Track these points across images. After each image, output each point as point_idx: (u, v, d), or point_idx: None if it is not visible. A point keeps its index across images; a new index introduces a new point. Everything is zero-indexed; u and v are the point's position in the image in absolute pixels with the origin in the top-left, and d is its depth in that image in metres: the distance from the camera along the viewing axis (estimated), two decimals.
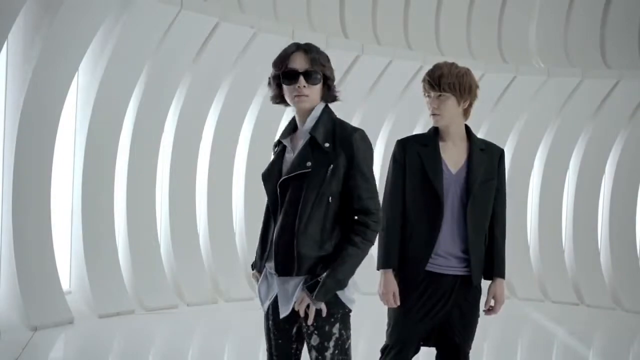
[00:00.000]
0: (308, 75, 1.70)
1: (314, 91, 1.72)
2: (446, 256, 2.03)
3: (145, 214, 4.82)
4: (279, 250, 1.69)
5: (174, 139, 4.99)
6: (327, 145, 1.69)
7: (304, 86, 1.70)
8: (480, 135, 6.18)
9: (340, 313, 1.69)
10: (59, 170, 4.37)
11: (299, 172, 1.68)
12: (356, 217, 1.68)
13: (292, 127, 1.81)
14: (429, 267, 2.03)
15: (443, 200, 2.01)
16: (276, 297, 1.72)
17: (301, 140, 1.74)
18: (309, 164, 1.68)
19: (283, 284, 1.70)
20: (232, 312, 4.86)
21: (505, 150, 2.42)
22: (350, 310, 1.72)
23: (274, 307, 1.73)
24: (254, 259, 1.84)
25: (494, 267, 2.10)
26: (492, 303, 2.12)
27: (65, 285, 4.41)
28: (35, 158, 4.04)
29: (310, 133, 1.71)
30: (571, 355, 4.41)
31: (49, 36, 3.82)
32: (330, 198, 1.67)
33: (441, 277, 2.03)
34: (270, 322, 1.76)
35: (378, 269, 2.11)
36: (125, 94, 4.52)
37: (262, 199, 6.02)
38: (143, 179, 4.78)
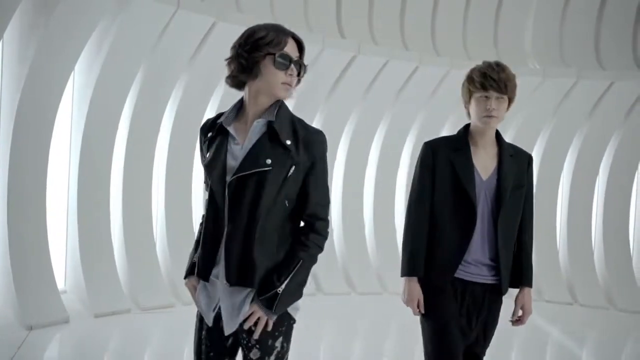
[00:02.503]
0: (299, 66, 1.59)
1: (295, 83, 1.60)
2: (476, 264, 1.97)
3: (142, 213, 4.82)
4: (231, 257, 1.49)
5: (170, 139, 4.99)
6: (288, 142, 1.52)
7: (290, 75, 1.56)
8: None
9: (285, 325, 1.55)
10: (55, 170, 4.37)
11: (256, 170, 1.49)
12: (308, 223, 1.55)
13: (235, 114, 1.60)
14: (461, 275, 1.96)
15: (476, 207, 1.94)
16: (220, 308, 1.54)
17: (249, 130, 1.54)
18: (269, 161, 1.49)
19: (230, 296, 1.51)
20: None
21: None
22: (294, 321, 1.60)
23: (213, 317, 1.56)
24: (187, 265, 1.63)
25: (522, 275, 2.04)
26: (519, 313, 2.05)
27: (60, 284, 4.40)
28: (31, 157, 4.03)
29: (273, 126, 1.53)
30: (565, 354, 4.44)
31: (45, 35, 3.81)
32: (286, 202, 1.52)
33: (474, 286, 1.97)
34: (204, 331, 1.58)
35: (402, 276, 2.04)
36: (122, 94, 4.52)
37: None
38: (139, 179, 4.78)
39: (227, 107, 6.30)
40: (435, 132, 6.38)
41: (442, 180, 1.99)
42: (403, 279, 2.03)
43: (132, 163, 4.70)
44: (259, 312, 1.49)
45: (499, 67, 1.98)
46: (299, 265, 1.51)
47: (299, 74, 1.59)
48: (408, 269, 2.01)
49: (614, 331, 5.21)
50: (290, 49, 1.57)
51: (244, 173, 1.50)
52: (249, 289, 1.51)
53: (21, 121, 3.87)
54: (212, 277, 1.54)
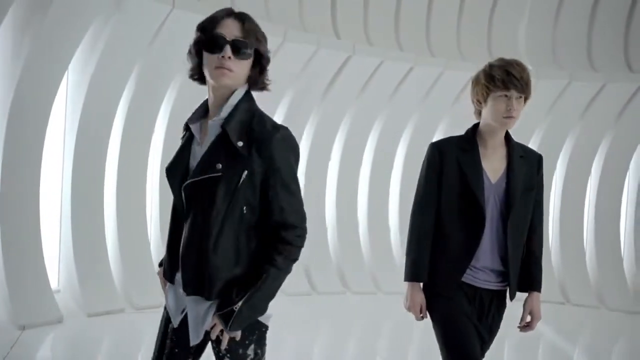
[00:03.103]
0: (237, 46, 1.37)
1: (241, 67, 1.39)
2: (485, 270, 1.89)
3: (136, 212, 4.81)
4: (187, 267, 1.41)
5: (165, 138, 4.98)
6: (240, 144, 1.37)
7: (229, 57, 1.36)
8: None
9: (255, 334, 1.45)
10: (48, 168, 4.35)
11: (206, 176, 1.37)
12: (274, 233, 1.40)
13: (204, 111, 1.48)
14: (469, 280, 1.89)
15: (485, 212, 1.85)
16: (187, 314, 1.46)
17: (212, 131, 1.42)
18: (219, 166, 1.36)
19: (195, 305, 1.43)
20: None
21: None
22: (267, 328, 1.49)
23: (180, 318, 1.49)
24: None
25: (531, 280, 1.96)
26: (528, 319, 1.98)
27: (54, 283, 4.38)
28: (25, 156, 4.01)
29: (222, 126, 1.39)
30: (557, 353, 4.48)
31: (39, 33, 3.79)
32: (245, 209, 1.38)
33: (482, 292, 1.91)
34: (170, 327, 1.51)
35: (405, 281, 1.97)
36: (116, 93, 4.51)
37: None
38: (133, 178, 4.77)
39: None
40: (430, 132, 6.42)
41: (449, 183, 1.89)
42: (405, 284, 1.96)
43: (126, 162, 4.69)
44: (220, 326, 1.39)
45: (519, 66, 1.87)
46: (262, 280, 1.37)
47: (236, 53, 1.36)
48: (411, 274, 1.94)
49: (605, 331, 5.27)
50: (227, 29, 1.38)
51: (195, 179, 1.38)
52: (213, 301, 1.40)
53: (14, 119, 3.85)
54: (177, 280, 1.47)
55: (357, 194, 6.23)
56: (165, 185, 5.27)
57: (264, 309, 1.43)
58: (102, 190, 4.56)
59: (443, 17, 6.37)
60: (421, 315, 1.97)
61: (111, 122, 4.56)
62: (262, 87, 1.50)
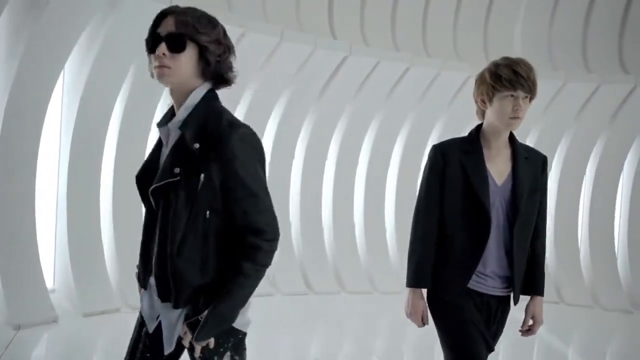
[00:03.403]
0: (169, 41, 1.31)
1: (180, 63, 1.32)
2: (493, 276, 1.83)
3: (132, 212, 4.80)
4: (158, 273, 1.38)
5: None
6: (196, 146, 1.31)
7: (164, 54, 1.31)
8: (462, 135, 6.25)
9: (231, 342, 1.39)
10: (44, 168, 4.33)
11: (166, 181, 1.33)
12: (241, 238, 1.33)
13: (171, 113, 1.43)
14: (477, 287, 1.83)
15: (491, 215, 1.79)
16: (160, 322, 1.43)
17: (173, 134, 1.38)
18: (177, 170, 1.32)
19: (167, 311, 1.39)
20: None
21: None
22: (244, 334, 1.43)
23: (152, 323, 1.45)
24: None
25: (534, 284, 1.91)
26: (530, 323, 1.93)
27: (49, 283, 4.37)
28: (20, 156, 4.00)
29: (179, 128, 1.35)
30: (551, 353, 4.51)
31: (35, 33, 3.78)
32: (208, 214, 1.32)
33: (489, 298, 1.85)
34: (144, 331, 1.47)
35: (407, 287, 1.90)
36: (112, 93, 4.50)
37: None
38: (129, 177, 4.72)
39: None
40: (426, 133, 6.44)
41: (452, 186, 1.83)
42: (406, 289, 1.90)
43: (122, 162, 4.68)
44: (189, 335, 1.34)
45: (526, 65, 1.80)
46: (228, 289, 1.31)
47: (170, 48, 1.29)
48: (413, 280, 1.87)
49: (599, 330, 5.31)
50: (163, 26, 1.33)
51: (157, 185, 1.35)
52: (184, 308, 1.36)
53: (10, 119, 3.84)
54: (151, 286, 1.43)
55: (353, 194, 6.24)
56: None
57: (232, 318, 1.35)
58: (98, 190, 4.55)
59: (439, 18, 6.39)
60: (422, 323, 1.91)
61: (107, 122, 4.55)
62: (223, 80, 1.40)
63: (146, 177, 1.41)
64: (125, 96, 4.62)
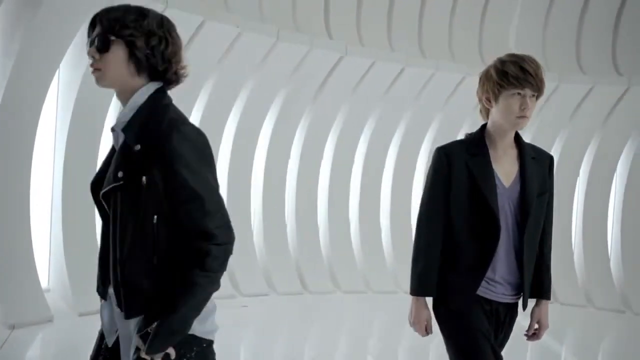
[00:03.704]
0: (94, 42, 1.27)
1: (107, 63, 1.26)
2: (502, 282, 1.76)
3: None
4: (114, 282, 1.33)
5: None
6: (137, 147, 1.25)
7: (93, 56, 1.27)
8: (456, 137, 6.31)
9: (194, 351, 1.31)
10: (39, 167, 4.32)
11: (111, 186, 1.28)
12: (189, 243, 1.26)
13: None
14: (487, 294, 1.76)
15: (499, 219, 1.71)
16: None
17: (120, 137, 1.31)
18: (120, 174, 1.26)
19: (124, 323, 1.33)
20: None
21: None
22: (209, 343, 1.35)
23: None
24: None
25: (542, 288, 1.85)
26: (535, 327, 1.88)
27: (44, 282, 4.35)
28: (15, 154, 3.99)
29: (122, 130, 1.28)
30: (544, 352, 4.54)
31: (30, 31, 3.77)
32: (156, 219, 1.25)
33: (498, 305, 1.77)
34: (103, 344, 1.41)
35: (411, 295, 1.82)
36: (108, 92, 4.47)
37: (243, 200, 5.95)
38: None
39: (214, 105, 6.21)
40: (422, 133, 6.47)
41: (458, 190, 1.74)
42: (410, 297, 1.83)
43: None
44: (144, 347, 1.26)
45: (534, 62, 1.72)
46: (178, 298, 1.24)
47: (98, 50, 1.26)
48: (417, 288, 1.79)
49: (592, 329, 5.35)
50: (95, 30, 1.32)
51: (104, 190, 1.30)
52: (138, 317, 1.30)
53: (5, 118, 3.82)
54: (110, 296, 1.37)
55: (348, 194, 6.26)
56: None
57: (184, 328, 1.27)
58: None
59: (435, 19, 6.43)
60: (426, 332, 1.83)
61: (103, 120, 4.54)
62: (170, 80, 1.32)
63: (99, 184, 1.33)
64: None
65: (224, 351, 4.26)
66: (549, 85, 7.70)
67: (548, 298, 1.87)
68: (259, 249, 5.72)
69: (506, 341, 1.89)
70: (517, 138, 1.82)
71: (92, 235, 4.56)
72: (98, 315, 4.49)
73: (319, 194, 6.11)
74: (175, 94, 5.05)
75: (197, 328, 1.31)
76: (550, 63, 6.59)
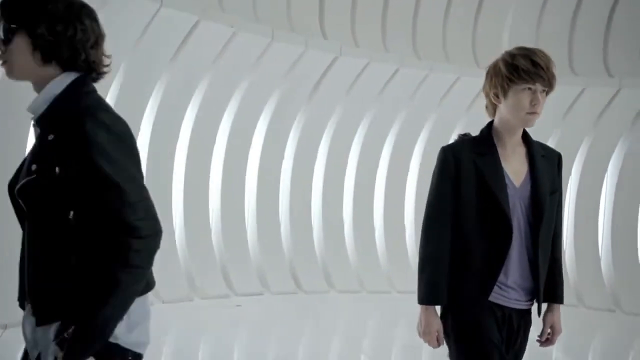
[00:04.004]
0: (2, 33, 1.19)
1: (11, 54, 1.18)
2: (515, 287, 1.67)
3: None
4: (27, 286, 1.23)
5: (150, 138, 4.96)
6: (50, 137, 1.16)
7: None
8: (450, 138, 6.35)
9: None
10: None
11: (24, 180, 1.18)
12: (114, 239, 1.15)
13: None
14: (499, 300, 1.66)
15: (512, 221, 1.62)
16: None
17: (37, 129, 1.24)
18: (34, 167, 1.17)
19: (44, 331, 1.22)
20: (208, 310, 4.87)
21: None
22: (137, 357, 1.22)
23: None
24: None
25: (554, 291, 1.75)
26: (548, 332, 1.78)
27: None
28: (3, 154, 3.96)
29: (35, 121, 1.21)
30: (536, 351, 4.58)
31: None
32: (72, 214, 1.16)
33: (511, 311, 1.68)
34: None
35: (420, 304, 1.70)
36: (100, 92, 4.45)
37: (238, 200, 5.96)
38: None
39: (209, 105, 6.18)
40: (415, 133, 6.50)
41: (467, 191, 1.64)
42: (419, 306, 1.71)
43: None
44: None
45: (545, 55, 1.64)
46: (98, 298, 1.12)
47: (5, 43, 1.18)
48: (427, 296, 1.67)
49: (583, 329, 5.40)
50: None
51: (18, 185, 1.19)
52: (56, 324, 1.18)
53: None
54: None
55: (343, 193, 6.28)
56: (148, 182, 5.28)
57: (106, 332, 1.15)
58: None
59: (429, 21, 6.46)
60: (437, 343, 1.71)
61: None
62: (82, 69, 1.22)
63: (15, 182, 1.23)
64: (115, 94, 4.61)
65: (218, 351, 4.28)
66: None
67: (561, 302, 1.79)
68: (253, 249, 5.73)
69: (522, 353, 1.77)
70: (525, 136, 1.74)
71: None
72: None
73: (313, 193, 6.13)
74: (171, 93, 5.08)
75: (122, 337, 1.18)
76: None
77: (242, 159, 5.59)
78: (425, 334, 1.71)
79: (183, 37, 4.78)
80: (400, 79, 6.11)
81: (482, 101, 6.42)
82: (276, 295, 5.50)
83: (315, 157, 6.08)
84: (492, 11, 6.64)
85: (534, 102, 1.61)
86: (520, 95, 1.61)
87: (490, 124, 1.73)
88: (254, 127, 5.61)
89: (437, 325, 1.69)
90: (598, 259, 6.49)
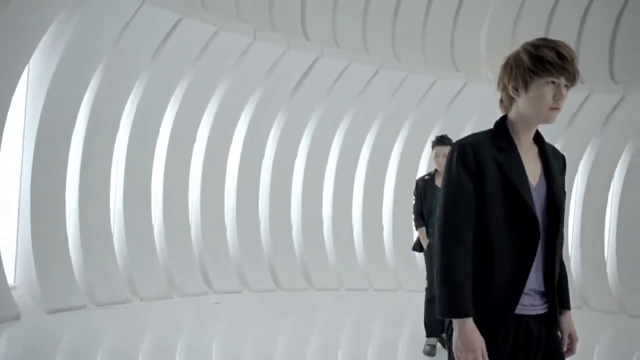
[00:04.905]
0: None
1: None
2: (531, 293, 1.53)
3: (98, 206, 4.74)
4: None
5: (130, 133, 4.93)
6: None
7: None
8: (428, 139, 6.47)
9: None
10: (6, 162, 4.23)
11: None
12: None
13: None
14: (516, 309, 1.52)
15: (539, 222, 1.50)
16: None
17: None
18: None
19: None
20: (187, 307, 4.86)
21: None
22: None
23: None
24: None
25: (564, 297, 1.63)
26: (567, 341, 1.63)
27: (10, 279, 4.27)
28: None
29: None
30: None
31: (0, 24, 3.69)
32: None
33: (528, 319, 1.53)
34: None
35: (450, 317, 1.49)
36: (80, 89, 4.43)
37: (218, 198, 5.98)
38: (96, 172, 4.70)
39: (189, 103, 6.17)
40: (394, 134, 6.60)
41: (492, 191, 1.49)
42: (455, 322, 1.48)
43: (89, 157, 4.62)
44: None
45: (570, 48, 1.50)
46: None
47: None
48: (458, 308, 1.46)
49: (587, 330, 5.49)
50: None
51: None
52: None
53: None
54: None
55: (322, 192, 6.34)
56: (129, 179, 5.23)
57: None
58: (64, 184, 4.47)
59: (408, 24, 6.57)
60: None
61: (75, 117, 4.48)
62: None
63: None
64: (94, 91, 4.56)
65: (196, 348, 4.28)
66: None
67: (569, 308, 1.66)
68: (232, 247, 5.74)
69: (561, 355, 1.60)
70: (537, 134, 1.61)
71: (61, 231, 4.49)
72: (67, 313, 4.44)
73: (293, 192, 6.17)
74: (151, 91, 5.08)
75: None
76: None
77: (222, 158, 5.59)
78: (469, 351, 1.46)
79: (165, 35, 4.76)
80: (380, 80, 6.20)
81: (460, 103, 6.59)
82: (255, 293, 5.52)
83: (295, 156, 6.12)
84: (470, 15, 6.78)
85: (557, 97, 1.48)
86: (543, 89, 1.48)
87: (504, 118, 1.60)
88: (235, 125, 5.62)
89: (481, 341, 1.46)
90: (604, 262, 6.57)
